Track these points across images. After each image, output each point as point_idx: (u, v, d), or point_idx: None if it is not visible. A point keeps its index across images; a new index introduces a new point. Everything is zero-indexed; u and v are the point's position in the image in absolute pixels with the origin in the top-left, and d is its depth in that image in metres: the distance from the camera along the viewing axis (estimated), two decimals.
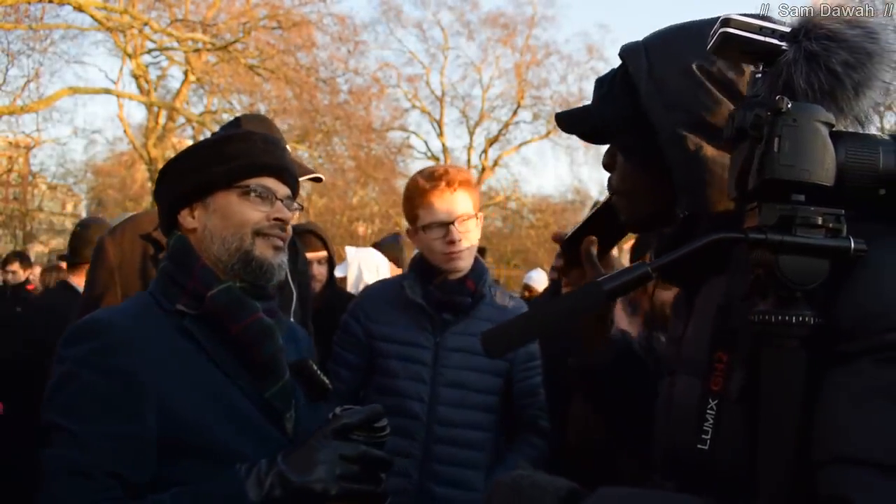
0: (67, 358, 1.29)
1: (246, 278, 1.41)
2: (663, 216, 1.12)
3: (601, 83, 1.17)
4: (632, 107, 1.09)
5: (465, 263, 2.23)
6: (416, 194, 2.24)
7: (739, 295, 0.95)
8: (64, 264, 4.98)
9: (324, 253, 3.34)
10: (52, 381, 1.30)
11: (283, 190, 1.46)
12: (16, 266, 6.56)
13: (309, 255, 3.27)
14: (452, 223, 2.18)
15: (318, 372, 1.49)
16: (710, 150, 1.03)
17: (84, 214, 23.25)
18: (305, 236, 3.35)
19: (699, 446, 0.94)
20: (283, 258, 1.45)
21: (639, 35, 1.12)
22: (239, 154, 1.44)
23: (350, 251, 4.61)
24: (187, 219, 1.44)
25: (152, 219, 2.37)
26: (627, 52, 1.11)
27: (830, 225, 0.87)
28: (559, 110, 1.30)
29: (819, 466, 0.84)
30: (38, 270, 7.91)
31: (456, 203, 2.20)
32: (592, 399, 1.36)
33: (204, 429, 1.29)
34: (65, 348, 1.31)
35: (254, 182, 1.42)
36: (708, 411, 0.94)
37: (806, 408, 0.85)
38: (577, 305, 0.95)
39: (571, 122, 1.20)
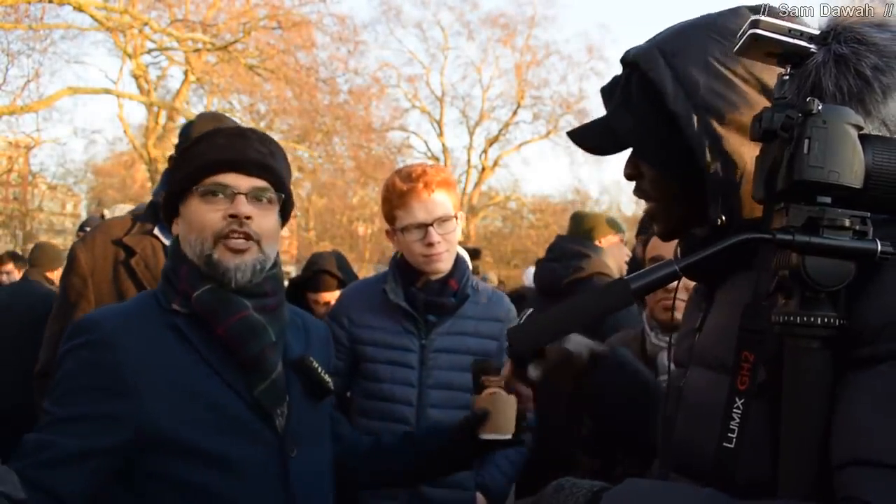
0: (60, 353, 1.38)
1: (216, 281, 1.41)
2: (697, 222, 1.10)
3: (610, 93, 1.13)
4: (654, 113, 1.06)
5: (444, 265, 2.20)
6: (394, 195, 2.20)
7: (765, 294, 0.95)
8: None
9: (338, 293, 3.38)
10: None
11: (245, 183, 1.42)
12: (10, 266, 6.51)
13: (326, 294, 3.31)
14: (431, 225, 2.14)
15: (319, 370, 1.49)
16: (745, 149, 1.01)
17: (84, 214, 23.21)
18: (320, 276, 3.36)
19: (725, 445, 0.94)
20: (246, 259, 1.41)
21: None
22: (197, 156, 1.44)
23: None
24: (175, 227, 1.49)
25: (123, 224, 2.38)
26: (642, 56, 1.07)
27: (857, 227, 0.87)
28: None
29: (838, 468, 0.84)
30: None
31: (434, 204, 2.15)
32: (592, 416, 1.36)
33: (180, 426, 1.32)
34: (61, 345, 1.39)
35: (209, 181, 1.42)
36: (734, 410, 0.94)
37: (828, 409, 0.86)
38: (604, 303, 0.96)
39: (590, 137, 1.15)
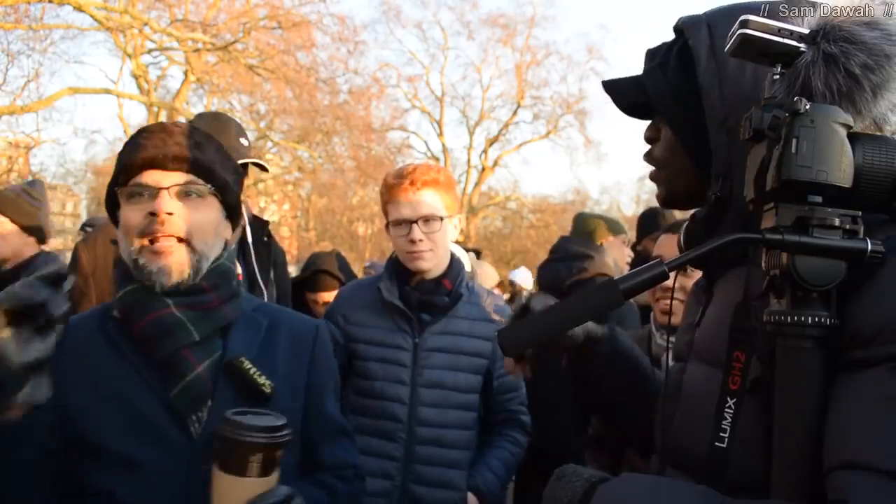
0: None
1: (141, 282, 1.37)
2: (698, 196, 1.10)
3: (653, 54, 1.14)
4: (686, 81, 1.07)
5: (426, 264, 2.22)
6: (385, 190, 2.26)
7: (757, 294, 0.95)
8: None
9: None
10: None
11: (167, 179, 1.36)
12: None
13: (325, 294, 3.33)
14: (415, 222, 2.18)
15: (252, 372, 1.38)
16: None
17: (84, 214, 23.25)
18: (320, 276, 3.37)
19: (717, 444, 0.95)
20: (170, 262, 1.35)
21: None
22: (119, 159, 1.40)
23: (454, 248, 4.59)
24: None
25: None
26: (688, 24, 1.08)
27: (847, 226, 0.87)
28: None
29: (829, 470, 0.83)
30: None
31: (420, 202, 2.19)
32: (587, 400, 1.36)
33: (97, 431, 1.30)
34: None
35: (132, 182, 1.37)
36: (726, 410, 0.94)
37: (821, 409, 0.85)
38: (593, 304, 0.96)
39: (620, 89, 1.16)
